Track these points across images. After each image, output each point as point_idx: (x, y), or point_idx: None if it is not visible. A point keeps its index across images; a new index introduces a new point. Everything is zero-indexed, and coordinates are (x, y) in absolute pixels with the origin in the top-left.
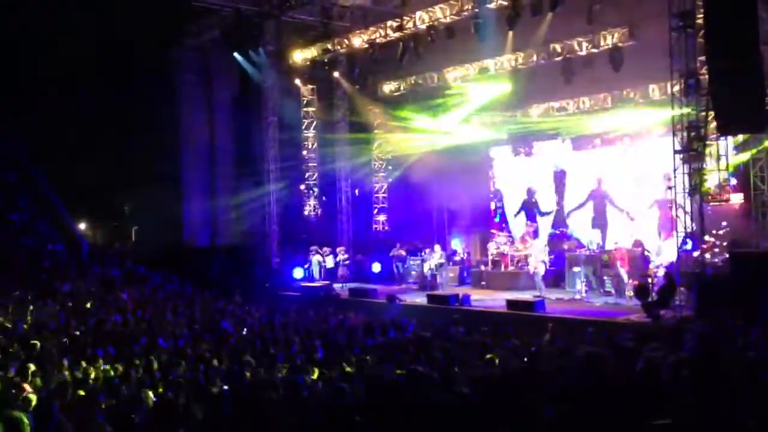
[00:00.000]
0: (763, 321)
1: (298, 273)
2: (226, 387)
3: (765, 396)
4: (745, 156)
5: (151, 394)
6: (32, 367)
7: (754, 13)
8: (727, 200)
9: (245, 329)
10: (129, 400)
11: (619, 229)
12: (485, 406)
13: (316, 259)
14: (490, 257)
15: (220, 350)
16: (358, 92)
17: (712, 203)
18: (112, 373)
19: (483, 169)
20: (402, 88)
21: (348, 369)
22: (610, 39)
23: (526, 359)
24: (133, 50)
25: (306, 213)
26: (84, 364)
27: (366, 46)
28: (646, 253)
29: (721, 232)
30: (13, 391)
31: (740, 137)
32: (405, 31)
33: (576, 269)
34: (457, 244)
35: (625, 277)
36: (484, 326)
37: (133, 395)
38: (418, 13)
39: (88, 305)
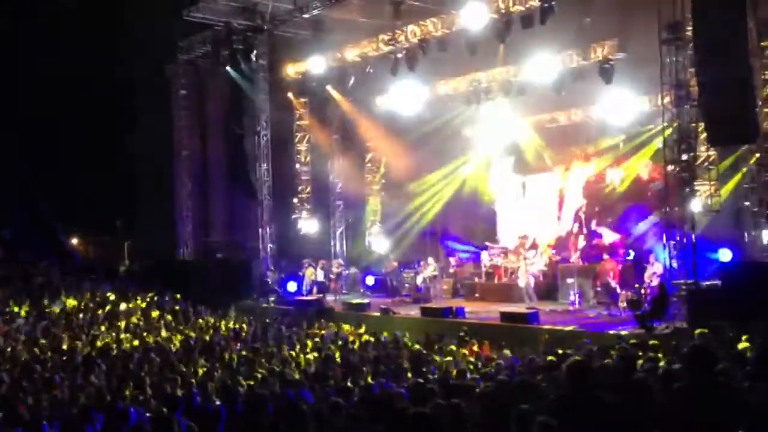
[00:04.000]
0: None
1: (291, 286)
2: (219, 403)
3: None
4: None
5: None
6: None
7: (743, 26)
8: (717, 211)
9: (239, 344)
10: (122, 418)
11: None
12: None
13: (309, 272)
14: (483, 269)
15: (213, 365)
16: (351, 105)
17: (702, 214)
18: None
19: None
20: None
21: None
22: (600, 51)
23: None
24: (126, 65)
25: (299, 226)
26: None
27: (358, 59)
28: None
29: None
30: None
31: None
32: (397, 45)
33: (569, 281)
34: (450, 256)
35: (617, 288)
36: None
37: (128, 412)
38: (410, 27)
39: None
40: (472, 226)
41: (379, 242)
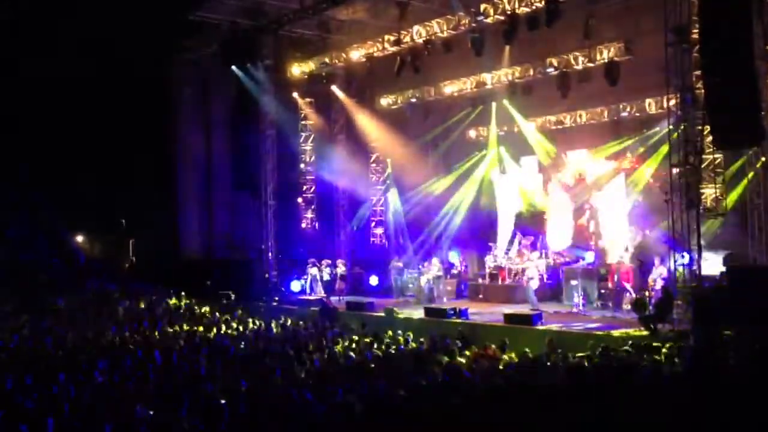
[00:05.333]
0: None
1: (295, 286)
2: (223, 401)
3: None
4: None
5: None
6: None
7: (749, 29)
8: (723, 214)
9: (242, 343)
10: (128, 415)
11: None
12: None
13: (313, 272)
14: (487, 270)
15: (217, 364)
16: (356, 105)
17: (708, 217)
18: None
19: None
20: (399, 101)
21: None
22: (606, 53)
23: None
24: (131, 65)
25: (303, 226)
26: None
27: (363, 59)
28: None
29: None
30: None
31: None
32: (402, 45)
33: (573, 282)
34: (454, 256)
35: (631, 291)
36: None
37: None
38: (416, 28)
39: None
40: (479, 228)
41: (383, 242)
